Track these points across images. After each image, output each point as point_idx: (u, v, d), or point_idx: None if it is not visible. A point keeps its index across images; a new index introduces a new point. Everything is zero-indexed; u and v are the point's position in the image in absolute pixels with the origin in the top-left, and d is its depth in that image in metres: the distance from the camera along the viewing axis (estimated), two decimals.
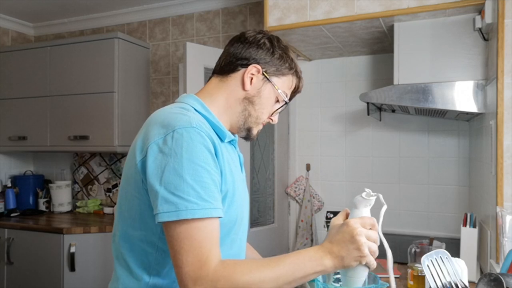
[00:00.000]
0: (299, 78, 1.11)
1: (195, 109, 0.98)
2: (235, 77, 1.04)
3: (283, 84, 1.07)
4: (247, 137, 1.08)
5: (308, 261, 0.85)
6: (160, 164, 0.85)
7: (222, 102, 1.04)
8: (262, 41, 1.05)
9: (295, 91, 1.13)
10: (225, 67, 1.05)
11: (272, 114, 1.09)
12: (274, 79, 1.05)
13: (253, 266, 0.85)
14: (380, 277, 0.96)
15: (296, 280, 0.85)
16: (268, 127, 2.81)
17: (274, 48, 1.05)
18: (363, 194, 0.88)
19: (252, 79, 1.03)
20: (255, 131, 1.08)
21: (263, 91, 1.04)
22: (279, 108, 1.08)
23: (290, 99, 1.12)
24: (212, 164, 0.87)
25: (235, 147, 1.09)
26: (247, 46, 1.05)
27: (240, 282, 0.81)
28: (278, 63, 1.05)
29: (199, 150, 0.86)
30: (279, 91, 1.05)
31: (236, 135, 1.10)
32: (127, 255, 0.96)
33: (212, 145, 0.89)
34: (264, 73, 1.04)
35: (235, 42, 1.07)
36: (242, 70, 1.03)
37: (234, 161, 1.04)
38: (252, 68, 1.02)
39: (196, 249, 0.82)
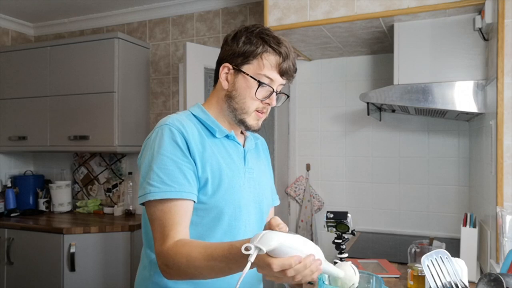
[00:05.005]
0: (273, 50, 1.07)
1: (192, 113, 1.12)
2: (219, 82, 1.13)
3: (255, 67, 1.07)
4: (247, 128, 1.13)
5: (236, 265, 0.80)
6: (141, 158, 1.05)
7: (215, 106, 1.14)
8: (230, 38, 1.11)
9: (281, 63, 1.07)
10: (214, 76, 1.17)
11: (260, 99, 1.08)
12: (245, 67, 1.08)
13: (193, 251, 0.88)
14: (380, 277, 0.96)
15: (232, 272, 0.83)
16: (268, 127, 2.81)
17: (237, 39, 1.09)
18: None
19: (227, 77, 1.11)
20: (250, 121, 1.11)
21: (237, 83, 1.09)
22: (257, 89, 1.07)
23: (282, 74, 1.08)
24: (179, 155, 1.00)
25: (235, 141, 1.16)
26: (221, 49, 1.14)
27: (181, 264, 0.89)
28: (243, 50, 1.08)
29: (167, 143, 1.00)
30: (249, 76, 1.07)
31: (232, 131, 1.15)
32: (143, 237, 1.13)
33: (182, 138, 1.01)
34: (235, 67, 1.09)
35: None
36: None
37: (230, 153, 1.12)
38: (223, 69, 1.11)
39: (161, 227, 0.95)
